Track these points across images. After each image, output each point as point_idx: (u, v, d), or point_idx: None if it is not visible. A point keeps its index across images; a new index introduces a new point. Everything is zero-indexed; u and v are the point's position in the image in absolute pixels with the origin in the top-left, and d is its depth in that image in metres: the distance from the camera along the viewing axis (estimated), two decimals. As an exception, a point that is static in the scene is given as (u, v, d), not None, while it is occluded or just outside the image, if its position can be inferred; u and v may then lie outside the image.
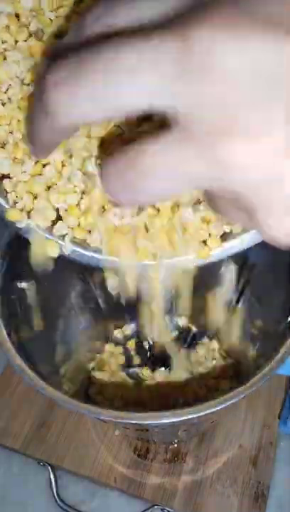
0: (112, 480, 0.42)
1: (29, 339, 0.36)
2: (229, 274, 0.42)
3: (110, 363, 0.44)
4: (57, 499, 0.42)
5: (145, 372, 0.44)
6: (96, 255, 0.23)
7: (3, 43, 0.22)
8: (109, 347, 0.47)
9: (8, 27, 0.22)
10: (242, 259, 0.42)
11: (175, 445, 0.43)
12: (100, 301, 0.45)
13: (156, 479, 0.42)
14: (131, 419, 0.29)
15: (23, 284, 0.38)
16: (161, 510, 0.41)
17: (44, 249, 0.23)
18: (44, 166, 0.22)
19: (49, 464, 0.43)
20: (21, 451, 0.44)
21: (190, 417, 0.28)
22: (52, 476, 0.43)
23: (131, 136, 0.21)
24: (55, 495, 0.42)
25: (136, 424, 0.30)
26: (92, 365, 0.44)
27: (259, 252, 0.39)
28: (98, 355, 0.46)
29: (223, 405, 0.28)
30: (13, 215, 0.23)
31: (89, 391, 0.42)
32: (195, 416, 0.28)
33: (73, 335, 0.43)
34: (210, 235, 0.24)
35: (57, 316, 0.43)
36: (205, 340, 0.47)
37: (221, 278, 0.42)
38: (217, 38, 0.11)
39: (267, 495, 0.40)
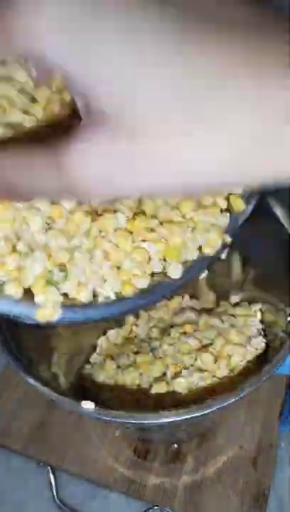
0: (112, 481, 0.42)
1: (29, 341, 0.36)
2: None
3: (108, 364, 0.44)
4: (57, 500, 0.42)
5: None
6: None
7: None
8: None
9: None
10: (243, 256, 0.42)
11: (176, 446, 0.43)
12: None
13: (156, 480, 0.41)
14: (130, 419, 0.29)
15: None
16: (161, 511, 0.41)
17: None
18: None
19: (49, 465, 0.43)
20: (21, 451, 0.44)
21: (189, 416, 0.28)
22: (51, 477, 0.43)
23: None
24: (55, 496, 0.42)
25: (135, 423, 0.30)
26: (89, 366, 0.44)
27: (260, 249, 0.39)
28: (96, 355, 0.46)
29: (222, 405, 0.28)
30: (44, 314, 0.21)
31: (87, 392, 0.42)
32: (194, 415, 0.28)
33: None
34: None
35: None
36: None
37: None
38: None
39: (268, 495, 0.40)
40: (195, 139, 0.13)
